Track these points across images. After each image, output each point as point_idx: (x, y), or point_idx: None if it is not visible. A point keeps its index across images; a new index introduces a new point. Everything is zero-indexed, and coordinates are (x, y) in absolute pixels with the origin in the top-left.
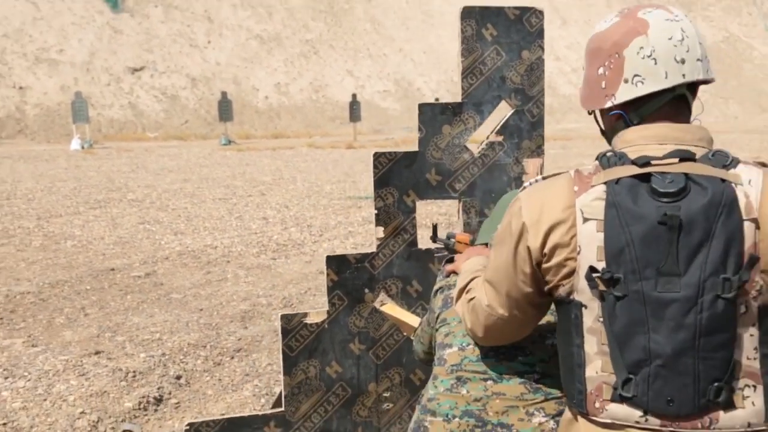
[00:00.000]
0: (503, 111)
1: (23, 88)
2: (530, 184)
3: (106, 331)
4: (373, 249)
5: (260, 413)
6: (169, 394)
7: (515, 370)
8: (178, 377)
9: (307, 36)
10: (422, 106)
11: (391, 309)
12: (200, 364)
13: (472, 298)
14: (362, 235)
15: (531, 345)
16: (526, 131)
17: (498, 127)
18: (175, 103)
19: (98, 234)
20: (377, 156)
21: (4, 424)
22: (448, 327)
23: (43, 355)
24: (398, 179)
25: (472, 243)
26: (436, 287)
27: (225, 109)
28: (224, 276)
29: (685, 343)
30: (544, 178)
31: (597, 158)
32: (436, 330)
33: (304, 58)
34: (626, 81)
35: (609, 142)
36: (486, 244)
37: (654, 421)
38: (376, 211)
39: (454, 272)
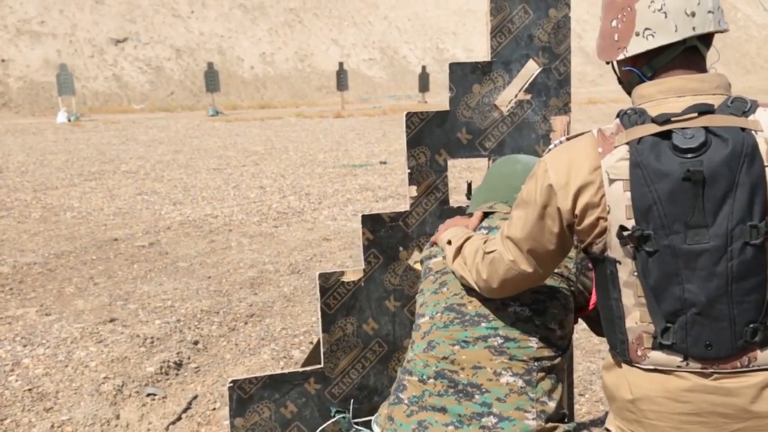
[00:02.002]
0: (531, 69)
1: (5, 60)
2: (554, 146)
3: (117, 299)
4: (407, 208)
5: (300, 370)
6: (189, 358)
7: (480, 335)
8: (196, 342)
9: (291, 4)
10: (453, 66)
11: None
12: (215, 330)
13: (490, 252)
14: (361, 202)
15: (494, 312)
16: (554, 89)
17: (526, 86)
18: (160, 75)
19: (97, 205)
20: (409, 116)
21: (30, 389)
22: (423, 297)
23: (59, 324)
24: (430, 138)
25: None
26: (420, 256)
27: (211, 79)
28: (228, 244)
29: (719, 290)
30: (567, 139)
31: (618, 116)
32: (416, 299)
33: (289, 27)
34: (637, 34)
35: (627, 92)
36: (484, 212)
37: (695, 365)
38: (409, 171)
39: (436, 243)
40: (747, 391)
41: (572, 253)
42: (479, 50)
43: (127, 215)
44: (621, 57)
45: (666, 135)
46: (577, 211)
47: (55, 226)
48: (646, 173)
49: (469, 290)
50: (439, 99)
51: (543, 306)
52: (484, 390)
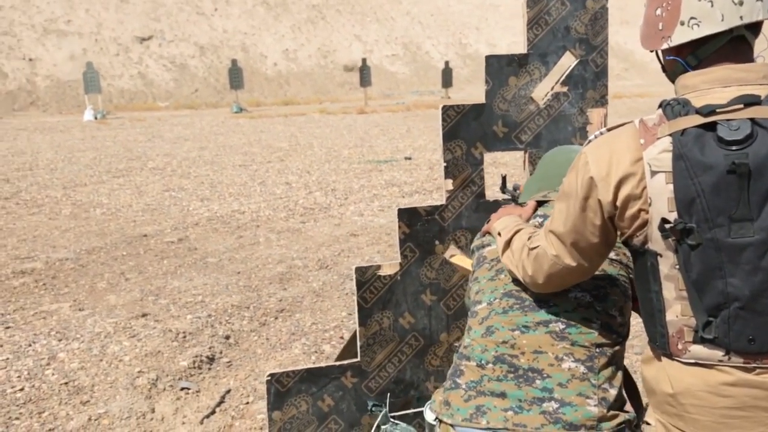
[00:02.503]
0: (568, 61)
1: (33, 59)
2: (594, 137)
3: (148, 294)
4: (443, 201)
5: (337, 364)
6: (221, 353)
7: (540, 319)
8: (227, 337)
9: (314, 1)
10: (489, 58)
11: (461, 260)
12: (246, 325)
13: (535, 247)
14: (387, 198)
15: (554, 298)
16: (591, 81)
17: (563, 78)
18: (184, 72)
19: (125, 202)
20: (445, 109)
21: (66, 383)
22: (479, 284)
23: (92, 318)
24: (466, 131)
25: None
26: (472, 246)
27: (235, 76)
28: (256, 240)
29: (763, 284)
30: (608, 130)
31: (660, 106)
32: (470, 287)
33: (312, 24)
34: (682, 23)
35: (671, 81)
36: (538, 204)
37: (737, 359)
38: (445, 164)
39: (489, 232)
40: None
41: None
42: (502, 45)
43: (156, 211)
44: (665, 46)
45: (711, 127)
46: (618, 203)
47: (86, 222)
48: (690, 165)
49: (517, 337)
50: (462, 94)
51: (604, 292)
52: (545, 375)
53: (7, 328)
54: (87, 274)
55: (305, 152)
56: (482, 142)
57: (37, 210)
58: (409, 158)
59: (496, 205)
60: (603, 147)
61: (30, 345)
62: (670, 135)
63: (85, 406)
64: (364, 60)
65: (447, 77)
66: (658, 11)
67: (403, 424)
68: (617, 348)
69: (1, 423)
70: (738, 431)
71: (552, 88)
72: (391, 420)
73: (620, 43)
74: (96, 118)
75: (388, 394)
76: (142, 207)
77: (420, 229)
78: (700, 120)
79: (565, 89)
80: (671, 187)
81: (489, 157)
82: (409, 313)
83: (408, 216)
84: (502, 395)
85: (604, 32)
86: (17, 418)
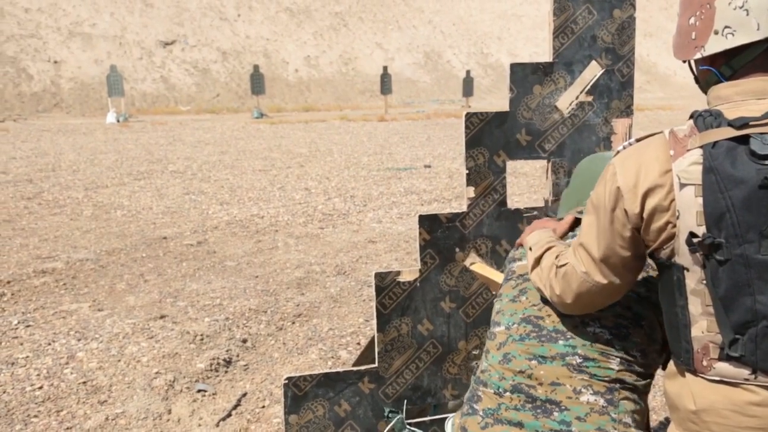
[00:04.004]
0: (593, 70)
1: (58, 62)
2: (623, 147)
3: (167, 296)
4: (464, 209)
5: (354, 369)
6: (238, 356)
7: (557, 352)
8: (244, 340)
9: (336, 8)
10: (514, 66)
11: (481, 268)
12: (263, 329)
13: (563, 265)
14: (406, 205)
15: (573, 329)
16: (616, 91)
17: (588, 87)
18: (206, 77)
19: (146, 204)
20: (469, 116)
21: (84, 382)
22: (500, 303)
23: (111, 319)
24: (489, 139)
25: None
26: (507, 258)
27: (257, 82)
28: (275, 245)
29: None
30: (637, 141)
31: (692, 117)
32: (470, 301)
33: (334, 31)
34: (716, 32)
35: (704, 92)
36: (576, 217)
37: (764, 379)
38: (467, 171)
39: (521, 245)
40: None
41: None
42: (524, 55)
43: (176, 214)
44: (698, 56)
45: (743, 140)
46: (644, 215)
47: (106, 223)
48: (720, 179)
49: (547, 301)
50: (483, 104)
51: (625, 332)
52: (563, 407)
53: (28, 326)
54: (107, 275)
55: (325, 158)
56: (505, 150)
57: (59, 210)
58: (429, 166)
59: (517, 214)
60: (631, 157)
61: (49, 344)
62: (701, 147)
63: (102, 406)
64: (385, 68)
65: (468, 86)
66: (692, 20)
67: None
68: (640, 384)
69: (20, 420)
70: None
71: (577, 98)
72: (408, 427)
73: (643, 56)
74: (118, 121)
75: (405, 401)
76: (162, 209)
77: (440, 236)
78: (733, 132)
79: (590, 99)
80: (700, 200)
81: (509, 167)
82: (428, 320)
83: (429, 222)
84: (519, 425)
85: (630, 42)
86: (36, 416)
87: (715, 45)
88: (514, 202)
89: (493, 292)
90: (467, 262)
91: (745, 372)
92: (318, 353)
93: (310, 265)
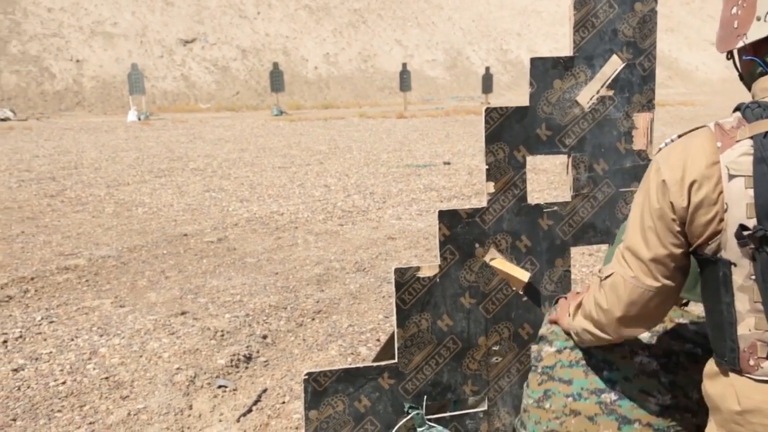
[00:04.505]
0: (614, 65)
1: (80, 61)
2: (665, 144)
3: (188, 293)
4: (484, 204)
5: (374, 365)
6: (258, 352)
7: (596, 387)
8: (264, 337)
9: (356, 5)
10: (534, 60)
11: (501, 264)
12: (283, 325)
13: (608, 276)
14: (425, 202)
15: (620, 360)
16: (637, 85)
17: (609, 81)
18: (226, 75)
19: (167, 201)
20: (488, 111)
21: (106, 378)
22: (526, 399)
23: (132, 315)
24: (509, 134)
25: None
26: (540, 332)
27: (276, 79)
28: (294, 241)
29: None
30: (679, 136)
31: (738, 109)
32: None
33: (353, 28)
34: (758, 19)
35: (748, 88)
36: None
37: None
38: (487, 167)
39: (556, 323)
40: None
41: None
42: (543, 51)
43: (196, 211)
44: (740, 44)
45: None
46: (691, 208)
47: (128, 220)
48: None
49: (569, 413)
50: (502, 100)
51: (676, 360)
52: None
53: (51, 322)
54: (128, 272)
55: (344, 155)
56: (525, 145)
57: (81, 208)
58: (448, 163)
59: (537, 209)
60: (676, 151)
61: (72, 339)
62: (751, 138)
63: (124, 401)
64: (404, 65)
65: (487, 83)
66: (734, 10)
67: (439, 427)
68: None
69: (43, 415)
70: None
71: (597, 92)
72: (428, 423)
73: (664, 51)
74: (139, 119)
75: (425, 397)
76: (182, 207)
77: (460, 231)
78: None
79: (611, 93)
80: (751, 192)
81: (528, 163)
82: (448, 315)
83: (449, 218)
84: None
85: (652, 36)
86: (59, 411)
87: (757, 31)
88: (534, 198)
89: (513, 288)
90: (487, 258)
91: None
92: (338, 349)
93: (329, 261)
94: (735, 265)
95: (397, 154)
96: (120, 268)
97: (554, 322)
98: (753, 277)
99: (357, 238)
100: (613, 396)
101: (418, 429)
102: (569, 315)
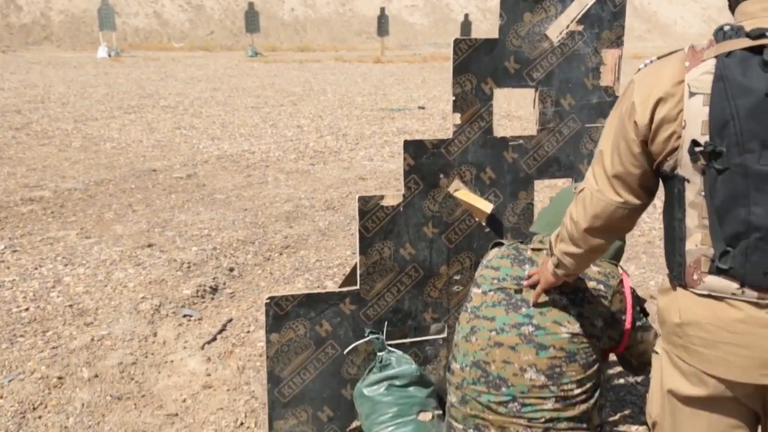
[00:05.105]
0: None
1: None
2: (644, 65)
3: (155, 226)
4: (450, 135)
5: (336, 290)
6: (224, 284)
7: (500, 400)
8: (231, 269)
9: None
10: None
11: (465, 195)
12: (250, 259)
13: (581, 190)
14: (398, 145)
15: (512, 377)
16: (607, 21)
17: (579, 16)
18: (200, 13)
19: (136, 137)
20: (457, 42)
21: (70, 305)
22: (457, 335)
23: (98, 246)
24: (477, 66)
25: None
26: (476, 273)
27: (252, 20)
28: (265, 179)
29: None
30: (659, 58)
31: (714, 33)
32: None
33: None
34: None
35: (732, 12)
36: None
37: (751, 293)
38: (453, 98)
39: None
40: None
41: (601, 307)
42: None
43: (166, 148)
44: None
45: (759, 51)
46: (653, 125)
47: (95, 155)
48: (729, 87)
49: (493, 345)
50: None
51: (559, 371)
52: (509, 384)
53: (14, 251)
54: (95, 205)
55: (318, 98)
56: (493, 77)
57: (48, 141)
58: (423, 108)
59: (503, 142)
60: (650, 72)
61: (36, 268)
62: (716, 57)
63: (88, 327)
64: (382, 9)
65: (466, 30)
66: None
67: (399, 352)
68: (577, 412)
69: (5, 339)
70: (738, 370)
71: (567, 27)
72: (388, 347)
73: (644, 4)
74: (110, 55)
75: (386, 323)
76: (152, 143)
77: (425, 161)
78: (748, 42)
79: (580, 28)
80: (707, 109)
81: (503, 110)
82: (410, 244)
83: (414, 148)
84: None
85: None
86: (22, 336)
87: None
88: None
89: (476, 219)
90: (451, 189)
91: (733, 286)
92: (304, 283)
93: (299, 199)
94: (688, 181)
95: (371, 98)
96: (86, 201)
97: (533, 284)
98: (702, 193)
99: (328, 178)
100: (530, 328)
101: (378, 353)
102: (550, 251)
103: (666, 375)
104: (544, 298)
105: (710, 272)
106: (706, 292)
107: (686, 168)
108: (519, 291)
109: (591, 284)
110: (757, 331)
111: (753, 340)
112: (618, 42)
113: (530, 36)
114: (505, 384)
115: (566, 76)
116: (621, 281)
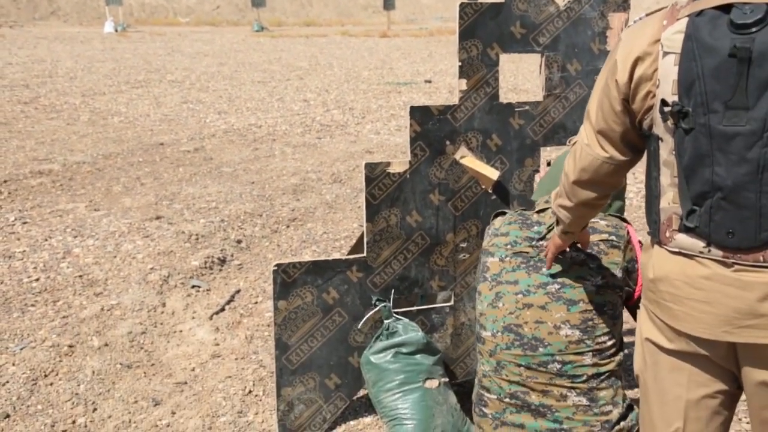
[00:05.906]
0: None
1: None
2: (634, 22)
3: (163, 199)
4: (456, 101)
5: (343, 258)
6: (232, 256)
7: (539, 360)
8: (239, 241)
9: None
10: None
11: (471, 162)
12: (258, 231)
13: (574, 143)
14: (404, 118)
15: (548, 336)
16: None
17: None
18: None
19: (143, 111)
20: (463, 6)
21: (80, 276)
22: (481, 304)
23: (107, 218)
24: (483, 31)
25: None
26: (483, 244)
27: None
28: (272, 153)
29: (747, 176)
30: (647, 15)
31: None
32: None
33: None
34: None
35: None
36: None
37: (716, 252)
38: (459, 63)
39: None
40: (762, 287)
41: (618, 257)
42: None
43: (173, 122)
44: None
45: (729, 10)
46: (632, 84)
47: (103, 129)
48: (696, 46)
49: (522, 307)
50: None
51: (592, 324)
52: (554, 410)
53: (24, 223)
54: (103, 178)
55: (325, 72)
56: (499, 42)
57: (56, 115)
58: (429, 81)
59: (509, 108)
60: (634, 30)
61: (46, 240)
62: (688, 16)
63: (98, 297)
64: None
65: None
66: None
67: (406, 320)
68: (612, 366)
69: (17, 309)
70: (702, 326)
71: None
72: (395, 315)
73: None
74: (116, 30)
75: (393, 291)
76: (159, 117)
77: (431, 128)
78: (719, 1)
79: None
80: (677, 69)
81: (509, 84)
82: (417, 211)
83: (420, 114)
84: (522, 426)
85: None
86: (33, 305)
87: None
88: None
89: (482, 186)
90: (457, 156)
91: (700, 244)
92: (311, 255)
93: (306, 172)
94: (662, 140)
95: (378, 72)
96: (95, 174)
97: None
98: (674, 152)
99: (335, 151)
100: (556, 286)
101: (385, 321)
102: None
103: (645, 328)
104: (562, 255)
105: (680, 230)
106: (677, 250)
107: (659, 127)
108: (537, 252)
109: (603, 236)
110: (722, 288)
111: (717, 297)
112: (625, 5)
113: (536, 0)
114: (542, 344)
115: (572, 40)
116: (628, 231)
